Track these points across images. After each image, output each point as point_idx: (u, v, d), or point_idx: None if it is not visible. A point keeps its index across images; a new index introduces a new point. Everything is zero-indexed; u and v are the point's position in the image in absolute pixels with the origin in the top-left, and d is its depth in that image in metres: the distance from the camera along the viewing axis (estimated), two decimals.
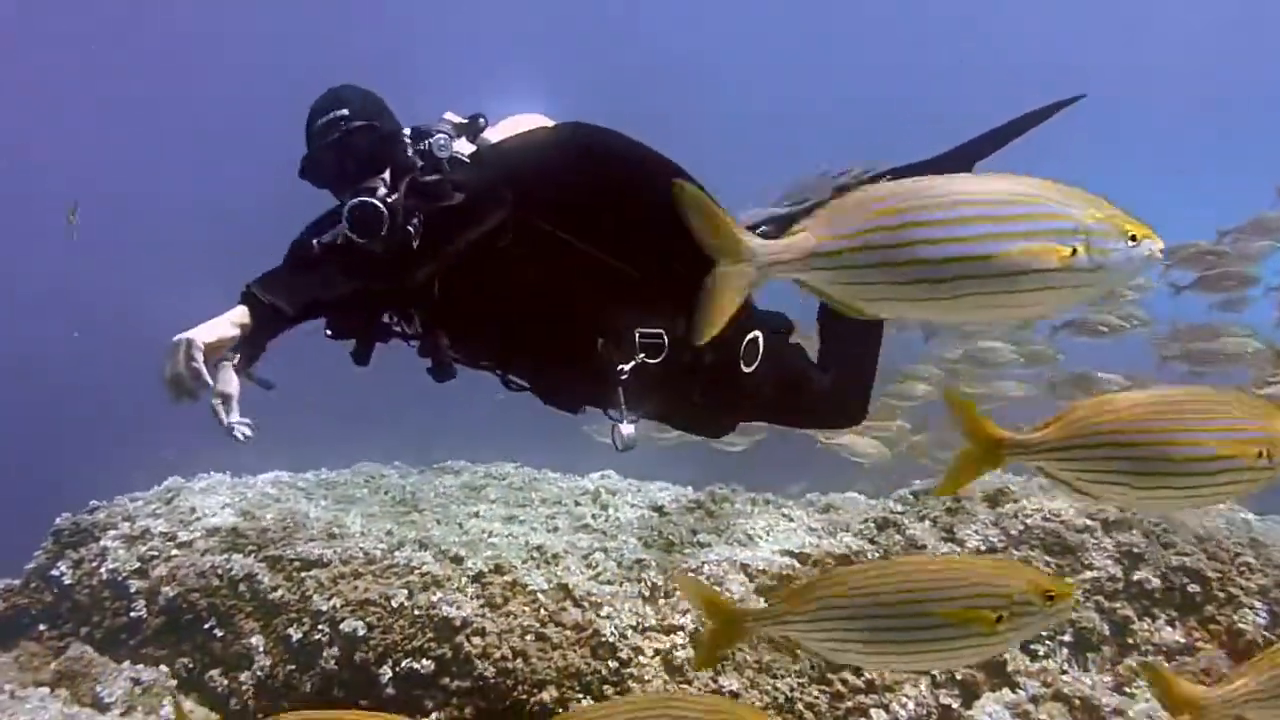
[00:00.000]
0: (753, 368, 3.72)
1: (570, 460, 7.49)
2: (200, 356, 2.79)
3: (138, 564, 4.98)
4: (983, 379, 8.44)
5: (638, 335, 3.53)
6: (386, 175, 3.25)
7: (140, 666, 4.17)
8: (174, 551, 5.01)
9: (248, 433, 2.94)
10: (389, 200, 3.17)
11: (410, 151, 3.33)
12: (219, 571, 4.89)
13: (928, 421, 8.63)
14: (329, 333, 3.46)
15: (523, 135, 3.57)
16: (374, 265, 3.19)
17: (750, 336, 3.69)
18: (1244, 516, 5.34)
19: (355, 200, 3.15)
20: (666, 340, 3.55)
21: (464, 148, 3.42)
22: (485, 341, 3.54)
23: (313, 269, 3.23)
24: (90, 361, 18.90)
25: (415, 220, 3.18)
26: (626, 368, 3.51)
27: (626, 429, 3.60)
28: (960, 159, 4.16)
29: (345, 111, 3.30)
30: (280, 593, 4.88)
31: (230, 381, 3.10)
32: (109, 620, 4.86)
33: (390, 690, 4.56)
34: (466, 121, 3.48)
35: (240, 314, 2.96)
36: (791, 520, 5.96)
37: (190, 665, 4.67)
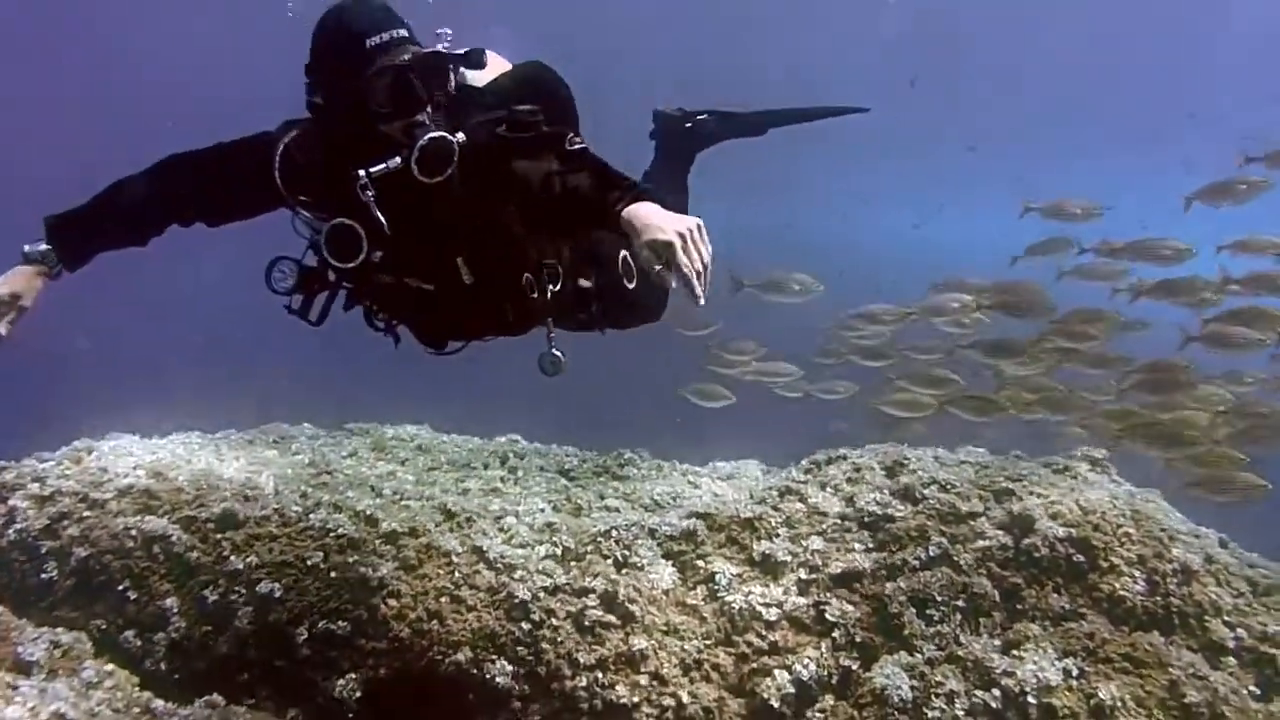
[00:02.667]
0: (634, 283, 4.06)
1: (469, 422, 7.54)
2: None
3: (48, 524, 4.93)
4: None
5: (543, 266, 3.72)
6: (430, 109, 3.31)
7: (60, 630, 4.16)
8: (85, 512, 4.97)
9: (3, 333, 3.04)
10: (460, 140, 3.29)
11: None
12: (132, 533, 4.87)
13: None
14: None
15: (506, 78, 3.68)
16: None
17: (623, 255, 4.02)
18: (1127, 489, 5.62)
19: (437, 135, 3.24)
20: (561, 270, 3.73)
21: None
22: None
23: None
24: None
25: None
26: (547, 296, 3.70)
27: (556, 353, 3.80)
28: (757, 122, 4.71)
29: (405, 32, 3.31)
30: (195, 554, 4.88)
31: (34, 293, 3.18)
32: (18, 582, 4.81)
33: (305, 651, 4.63)
34: (462, 54, 3.47)
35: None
36: (697, 486, 6.13)
37: (104, 627, 4.64)
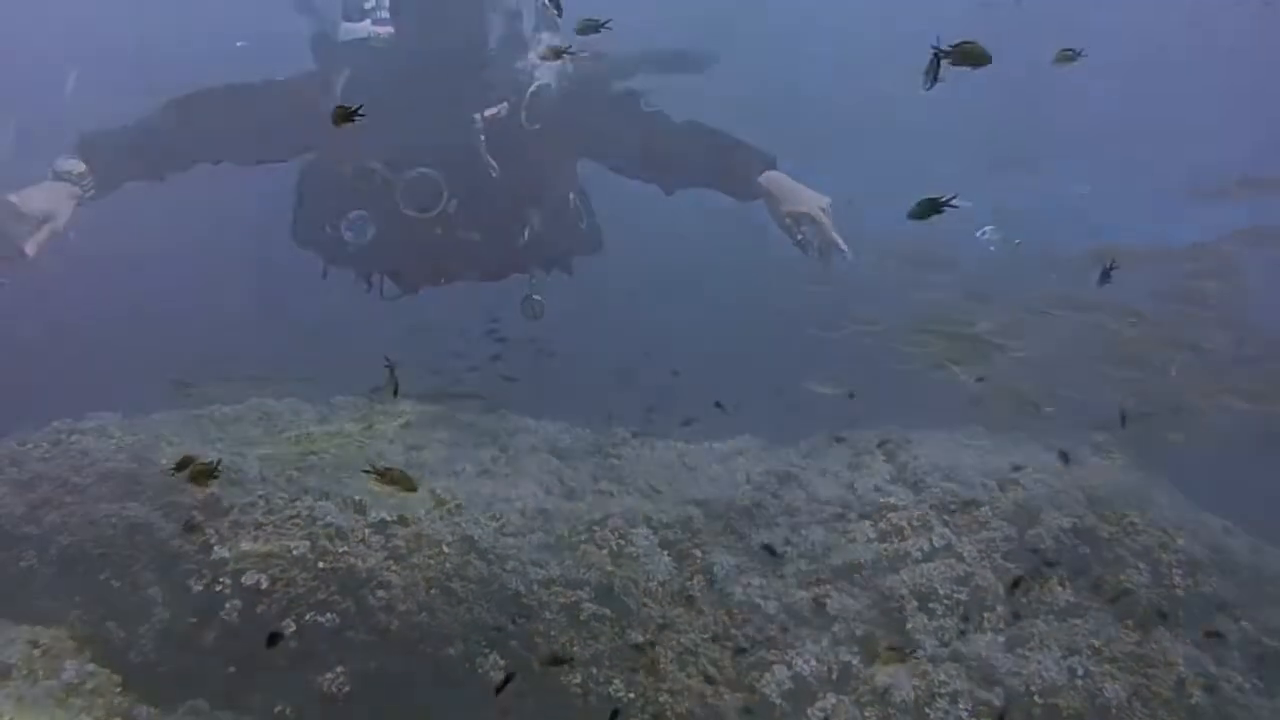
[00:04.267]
0: (584, 225, 4.17)
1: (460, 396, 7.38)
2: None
3: (27, 511, 4.79)
4: None
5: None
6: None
7: (39, 628, 4.05)
8: (66, 498, 4.84)
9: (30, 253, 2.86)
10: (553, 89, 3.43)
11: None
12: (113, 520, 4.74)
13: None
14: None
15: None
16: None
17: (570, 197, 4.09)
18: (1133, 476, 5.53)
19: (544, 82, 3.38)
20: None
21: None
22: None
23: None
24: None
25: None
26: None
27: (537, 297, 3.82)
28: None
29: None
30: (178, 542, 4.76)
31: (67, 215, 3.00)
32: None
33: (293, 644, 4.51)
34: None
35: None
36: (692, 469, 6.01)
37: (85, 617, 4.53)
